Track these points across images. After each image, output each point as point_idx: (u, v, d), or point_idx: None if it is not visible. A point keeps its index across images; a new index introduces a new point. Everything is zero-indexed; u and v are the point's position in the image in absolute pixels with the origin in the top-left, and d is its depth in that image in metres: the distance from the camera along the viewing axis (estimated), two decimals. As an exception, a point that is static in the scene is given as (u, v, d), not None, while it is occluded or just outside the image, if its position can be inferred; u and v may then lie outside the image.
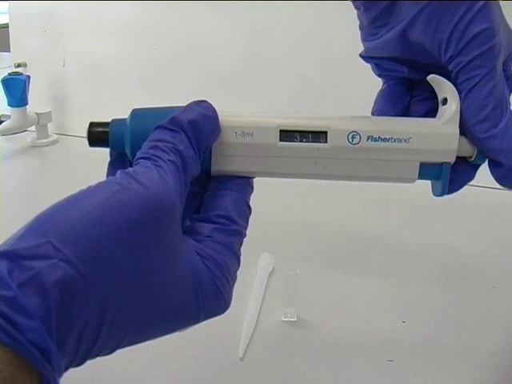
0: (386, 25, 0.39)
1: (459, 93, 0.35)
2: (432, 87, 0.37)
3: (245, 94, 0.98)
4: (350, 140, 0.33)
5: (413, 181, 0.34)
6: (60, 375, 0.27)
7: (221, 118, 0.34)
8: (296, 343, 0.54)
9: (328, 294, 0.61)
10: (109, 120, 0.35)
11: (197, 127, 0.33)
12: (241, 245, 0.34)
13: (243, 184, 0.35)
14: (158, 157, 0.31)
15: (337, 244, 0.70)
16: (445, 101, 0.35)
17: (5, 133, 1.03)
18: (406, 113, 0.40)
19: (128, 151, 0.34)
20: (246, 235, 0.34)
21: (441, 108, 0.35)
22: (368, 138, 0.33)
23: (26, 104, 1.03)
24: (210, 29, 1.00)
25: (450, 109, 0.34)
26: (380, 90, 0.41)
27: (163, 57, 1.02)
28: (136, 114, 0.35)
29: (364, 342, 0.54)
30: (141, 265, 0.28)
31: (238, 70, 0.99)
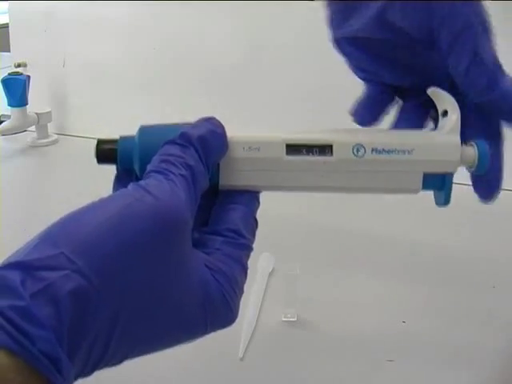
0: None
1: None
2: (420, 94, 0.38)
3: (245, 93, 0.98)
4: (355, 152, 0.34)
5: (417, 191, 0.35)
6: None
7: (228, 133, 0.35)
8: (296, 343, 0.54)
9: (328, 294, 0.61)
10: (116, 136, 0.36)
11: (206, 143, 0.33)
12: (248, 258, 0.34)
13: (251, 198, 0.35)
14: (169, 171, 0.31)
15: (337, 244, 0.70)
16: (445, 113, 0.36)
17: (5, 133, 1.03)
18: (382, 116, 0.40)
19: (137, 167, 0.34)
20: (253, 249, 0.35)
21: (441, 120, 0.36)
22: (372, 150, 0.34)
23: (26, 104, 1.03)
24: (211, 29, 1.00)
25: (451, 120, 0.35)
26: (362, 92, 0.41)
27: (163, 57, 1.02)
28: (144, 130, 0.35)
29: (364, 342, 0.54)
30: (152, 277, 0.28)
31: (239, 70, 0.99)
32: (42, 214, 0.76)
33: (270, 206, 0.73)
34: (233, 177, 0.35)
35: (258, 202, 0.36)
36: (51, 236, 0.28)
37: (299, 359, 0.52)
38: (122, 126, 0.39)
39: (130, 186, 0.30)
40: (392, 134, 0.36)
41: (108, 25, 1.05)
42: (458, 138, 0.35)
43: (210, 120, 0.35)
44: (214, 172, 0.34)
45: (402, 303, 0.59)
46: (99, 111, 1.07)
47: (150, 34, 1.03)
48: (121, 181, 0.35)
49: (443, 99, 0.36)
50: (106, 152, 0.35)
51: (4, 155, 1.01)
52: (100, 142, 0.35)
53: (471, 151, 0.35)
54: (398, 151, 0.33)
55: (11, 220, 0.72)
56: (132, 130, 0.39)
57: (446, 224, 0.74)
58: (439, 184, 0.35)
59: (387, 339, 0.55)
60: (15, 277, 0.26)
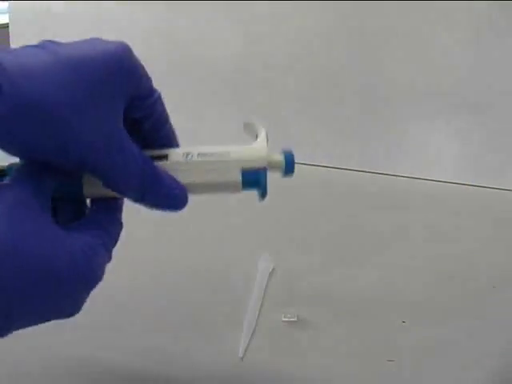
0: None
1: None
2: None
3: (245, 93, 0.98)
4: (185, 157, 0.43)
5: (238, 187, 0.43)
6: None
7: None
8: (296, 343, 0.54)
9: (328, 294, 0.61)
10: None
11: None
12: (112, 245, 0.39)
13: (112, 203, 0.41)
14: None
15: (337, 244, 0.70)
16: (256, 136, 0.45)
17: (5, 133, 1.03)
18: None
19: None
20: (117, 240, 0.39)
21: (254, 142, 0.45)
22: (198, 154, 0.43)
23: (26, 104, 1.03)
24: (211, 29, 1.00)
25: (260, 136, 0.44)
26: None
27: (163, 57, 1.02)
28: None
29: (364, 341, 0.54)
30: (23, 241, 0.33)
31: (238, 69, 0.99)
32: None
33: (270, 207, 0.73)
34: (93, 188, 0.41)
35: (120, 207, 0.42)
36: None
37: (299, 359, 0.52)
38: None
39: None
40: (217, 145, 0.44)
41: (108, 25, 1.05)
42: (264, 144, 0.44)
43: None
44: (78, 185, 0.41)
45: (402, 303, 0.59)
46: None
47: (150, 34, 1.03)
48: None
49: (254, 128, 0.46)
50: None
51: (4, 155, 1.01)
52: None
53: (278, 156, 0.44)
54: (220, 154, 0.43)
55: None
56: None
57: (445, 224, 0.75)
58: (255, 179, 0.43)
59: (387, 339, 0.55)
60: None
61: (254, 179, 0.43)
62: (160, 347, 0.53)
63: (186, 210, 0.41)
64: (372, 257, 0.67)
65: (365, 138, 0.87)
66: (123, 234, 0.39)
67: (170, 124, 0.45)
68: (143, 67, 0.42)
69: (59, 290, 0.35)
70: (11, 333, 0.33)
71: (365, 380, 0.50)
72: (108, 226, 0.40)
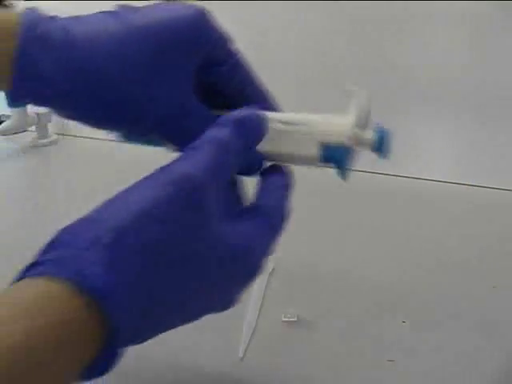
0: None
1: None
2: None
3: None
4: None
5: (315, 160, 0.40)
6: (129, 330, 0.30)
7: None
8: (296, 343, 0.54)
9: (328, 294, 0.61)
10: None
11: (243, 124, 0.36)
12: (275, 238, 0.38)
13: (283, 191, 0.39)
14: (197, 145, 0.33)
15: (337, 244, 0.70)
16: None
17: (5, 133, 1.03)
18: None
19: None
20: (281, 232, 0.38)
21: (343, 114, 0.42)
22: (279, 122, 0.41)
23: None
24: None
25: (352, 106, 0.41)
26: None
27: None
28: None
29: (364, 342, 0.54)
30: (176, 237, 0.31)
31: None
32: (41, 213, 0.76)
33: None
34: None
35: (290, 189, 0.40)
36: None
37: (299, 359, 0.52)
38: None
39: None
40: (298, 113, 0.42)
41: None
42: (351, 118, 0.40)
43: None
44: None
45: (402, 303, 0.59)
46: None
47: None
48: None
49: (354, 96, 0.43)
50: None
51: (4, 155, 1.01)
52: None
53: (368, 133, 0.40)
54: (300, 124, 0.41)
55: (11, 219, 0.72)
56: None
57: (446, 224, 0.74)
58: (333, 155, 0.40)
59: (387, 339, 0.55)
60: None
61: (332, 155, 0.40)
62: (159, 347, 0.53)
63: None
64: (372, 257, 0.67)
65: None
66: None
67: (257, 87, 0.42)
68: (219, 32, 0.38)
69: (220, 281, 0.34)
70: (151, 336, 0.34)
71: (365, 380, 0.50)
72: (276, 215, 0.37)
